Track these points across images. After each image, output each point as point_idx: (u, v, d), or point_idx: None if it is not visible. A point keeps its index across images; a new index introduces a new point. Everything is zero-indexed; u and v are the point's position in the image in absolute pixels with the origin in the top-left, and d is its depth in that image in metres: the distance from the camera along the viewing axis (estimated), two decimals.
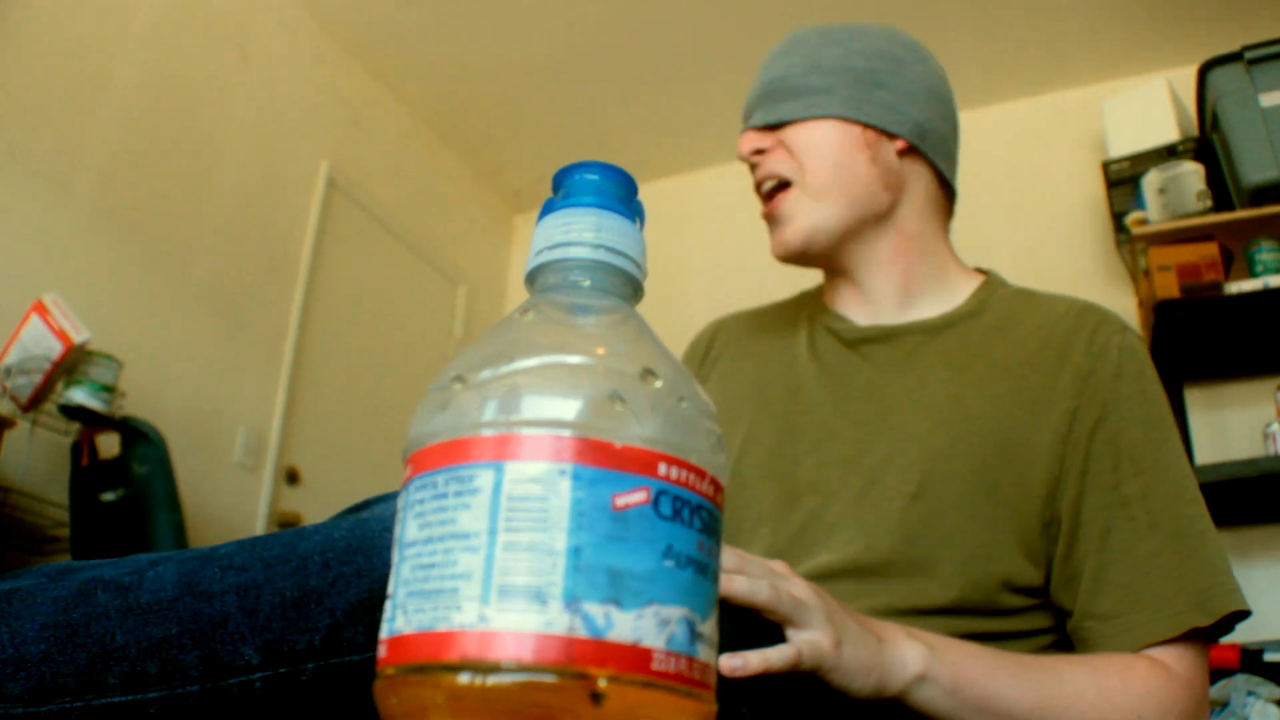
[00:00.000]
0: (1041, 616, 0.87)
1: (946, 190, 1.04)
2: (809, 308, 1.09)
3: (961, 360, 0.94)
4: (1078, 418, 0.87)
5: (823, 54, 1.01)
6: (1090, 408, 0.87)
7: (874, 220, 0.99)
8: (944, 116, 1.03)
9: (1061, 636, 0.87)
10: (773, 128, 1.01)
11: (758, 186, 1.02)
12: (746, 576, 0.62)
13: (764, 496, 0.95)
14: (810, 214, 0.98)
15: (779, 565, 0.68)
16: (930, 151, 1.01)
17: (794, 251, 0.99)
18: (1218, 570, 0.81)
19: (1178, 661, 0.79)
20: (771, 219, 1.01)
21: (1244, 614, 0.81)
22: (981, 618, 0.85)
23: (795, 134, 0.99)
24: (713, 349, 1.13)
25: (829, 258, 1.02)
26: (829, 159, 0.98)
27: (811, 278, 1.11)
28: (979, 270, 1.05)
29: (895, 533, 0.86)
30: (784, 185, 0.99)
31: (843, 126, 0.98)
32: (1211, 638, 0.81)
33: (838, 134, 0.98)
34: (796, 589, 0.64)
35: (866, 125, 0.98)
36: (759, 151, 1.01)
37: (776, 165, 1.00)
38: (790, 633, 0.62)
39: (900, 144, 1.00)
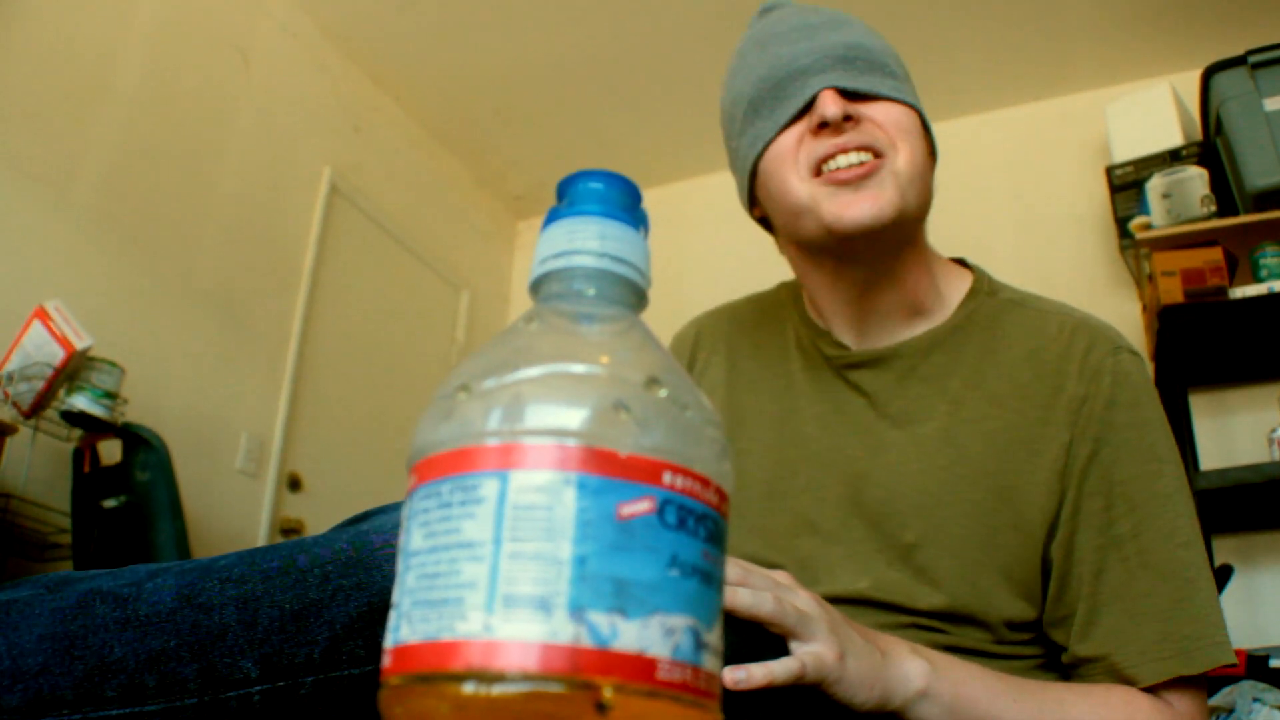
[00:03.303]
0: (1035, 646, 0.87)
1: None
2: (794, 320, 1.03)
3: (954, 391, 0.90)
4: (1072, 451, 0.85)
5: (885, 42, 0.93)
6: (1084, 440, 0.85)
7: (915, 228, 0.93)
8: None
9: (1050, 660, 0.87)
10: (857, 97, 0.90)
11: (830, 155, 0.88)
12: (750, 589, 0.62)
13: (758, 530, 0.93)
14: (904, 194, 0.87)
15: (783, 576, 0.68)
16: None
17: (882, 220, 0.86)
18: (1207, 619, 0.79)
19: (1179, 699, 0.79)
20: (857, 179, 0.87)
21: (1230, 666, 0.80)
22: (978, 642, 0.84)
23: (888, 112, 0.89)
24: (697, 357, 1.09)
25: (872, 254, 0.92)
26: (921, 151, 0.90)
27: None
28: (962, 263, 1.02)
29: (898, 580, 0.85)
30: (875, 160, 0.88)
31: (922, 125, 0.92)
32: (1200, 681, 0.81)
33: (922, 130, 0.92)
34: (800, 601, 0.64)
35: (926, 130, 0.93)
36: (850, 118, 0.88)
37: (873, 137, 0.88)
38: (794, 645, 0.63)
39: (933, 160, 0.95)
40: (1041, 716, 0.74)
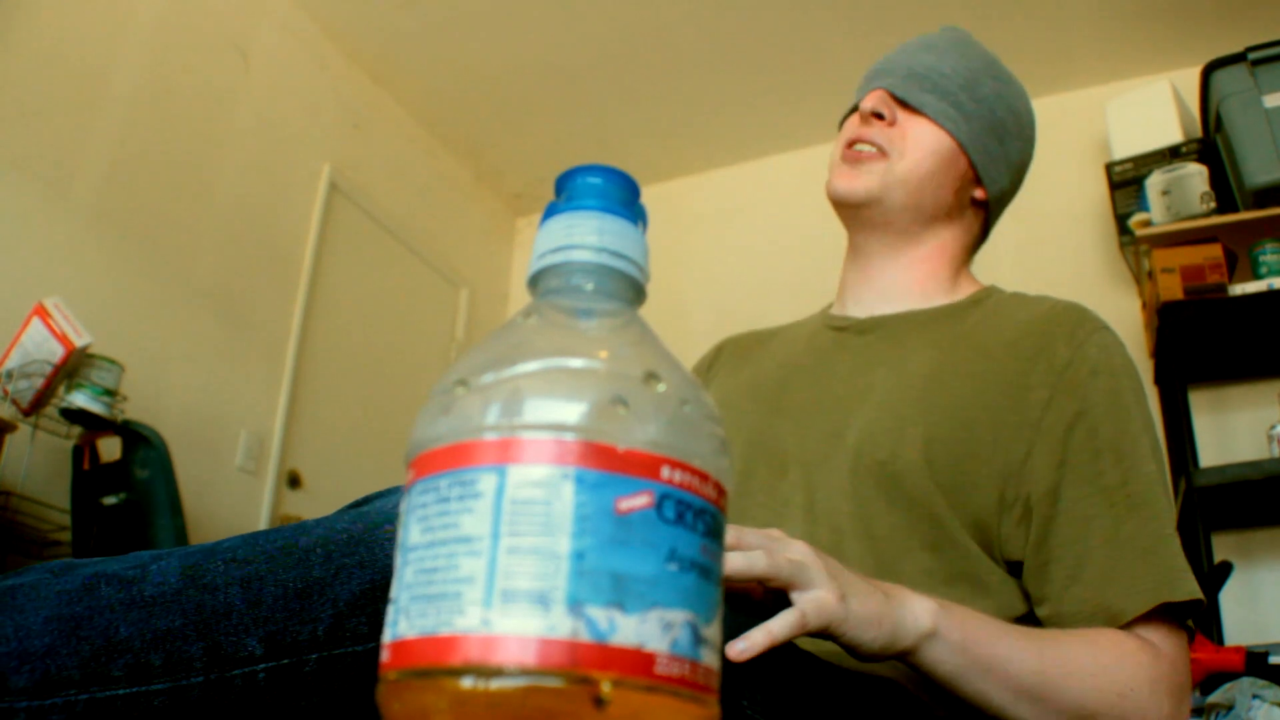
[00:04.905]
0: (1009, 591, 0.89)
1: (983, 236, 1.15)
2: (818, 318, 1.14)
3: (946, 344, 0.98)
4: (1051, 408, 0.90)
5: (982, 81, 1.07)
6: (1066, 401, 0.90)
7: (918, 229, 1.07)
8: (1016, 191, 1.15)
9: (1027, 617, 0.89)
10: (904, 104, 1.07)
11: (854, 140, 1.07)
12: (742, 551, 0.63)
13: (751, 473, 0.98)
14: (885, 188, 1.04)
15: (774, 532, 0.68)
16: (992, 212, 1.12)
17: (853, 198, 1.05)
18: (1182, 559, 0.84)
19: (1163, 640, 0.81)
20: (853, 161, 1.06)
21: (1203, 604, 0.83)
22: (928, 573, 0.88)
23: (919, 127, 1.05)
24: (715, 366, 1.18)
25: (864, 230, 1.08)
26: (929, 168, 1.05)
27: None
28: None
29: (872, 501, 0.89)
30: (879, 155, 1.05)
31: (957, 152, 1.05)
32: (1181, 620, 0.83)
33: (950, 155, 1.05)
34: (794, 551, 0.65)
35: (972, 165, 1.06)
36: (880, 116, 1.06)
37: (887, 140, 1.05)
38: (794, 596, 0.63)
39: (980, 195, 1.09)
40: (1042, 656, 0.75)
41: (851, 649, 0.66)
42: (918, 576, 0.85)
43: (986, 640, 0.72)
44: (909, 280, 1.07)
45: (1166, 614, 0.81)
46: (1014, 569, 0.89)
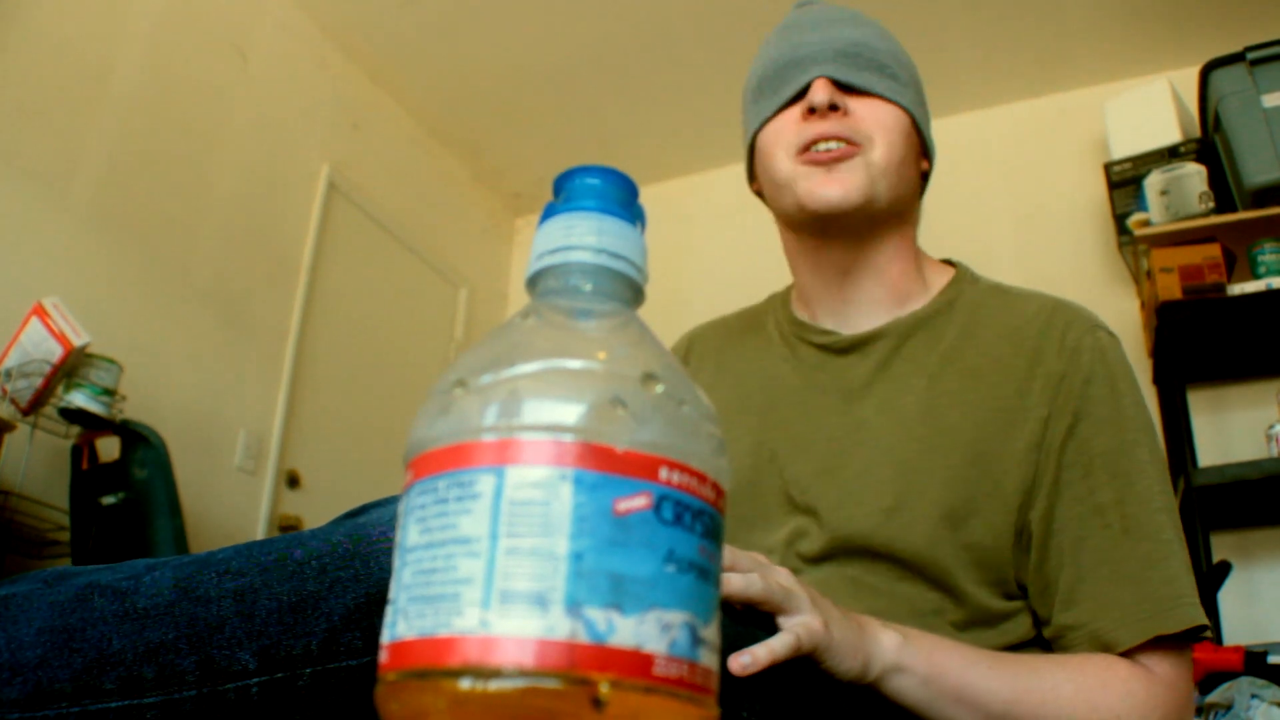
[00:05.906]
0: (1021, 620, 0.87)
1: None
2: (778, 316, 1.07)
3: (933, 367, 0.93)
4: (1050, 425, 0.86)
5: (898, 47, 1.00)
6: (1062, 415, 0.86)
7: (892, 224, 0.98)
8: None
9: (1036, 640, 0.87)
10: (849, 90, 0.96)
11: (813, 141, 0.94)
12: (739, 573, 0.64)
13: (741, 512, 0.95)
14: (872, 182, 0.93)
15: (760, 557, 0.69)
16: (927, 182, 1.04)
17: (849, 202, 0.92)
18: (1181, 581, 0.80)
19: (1159, 664, 0.79)
20: (831, 165, 0.93)
21: (1206, 628, 0.80)
22: (939, 610, 0.86)
23: (874, 109, 0.95)
24: (687, 365, 1.12)
25: (840, 238, 0.98)
26: (901, 151, 0.95)
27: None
28: (947, 262, 1.05)
29: (874, 548, 0.86)
30: (850, 147, 0.94)
31: (910, 126, 0.97)
32: (1184, 641, 0.81)
33: (909, 131, 0.97)
34: (781, 578, 0.66)
35: (920, 136, 0.99)
36: (834, 108, 0.94)
37: (853, 129, 0.94)
38: (782, 620, 0.64)
39: (925, 166, 1.02)
40: (1016, 685, 0.74)
41: (830, 674, 0.66)
42: (929, 616, 0.84)
43: (955, 670, 0.72)
44: (884, 288, 0.99)
45: (1164, 639, 0.79)
46: (1027, 592, 0.87)
